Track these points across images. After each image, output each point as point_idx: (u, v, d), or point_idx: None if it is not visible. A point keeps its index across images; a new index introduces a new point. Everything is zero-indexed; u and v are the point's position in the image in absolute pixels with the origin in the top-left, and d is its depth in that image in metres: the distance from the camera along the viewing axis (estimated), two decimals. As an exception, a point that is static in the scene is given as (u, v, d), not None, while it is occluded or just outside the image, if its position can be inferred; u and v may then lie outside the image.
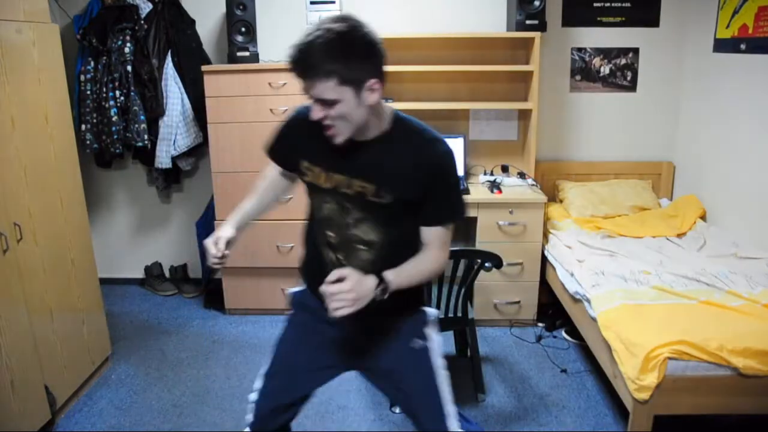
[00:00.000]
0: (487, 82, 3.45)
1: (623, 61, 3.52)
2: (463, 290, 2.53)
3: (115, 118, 3.23)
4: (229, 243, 1.62)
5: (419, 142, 1.45)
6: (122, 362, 2.99)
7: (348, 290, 1.34)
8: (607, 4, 3.45)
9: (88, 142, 3.30)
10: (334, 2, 3.22)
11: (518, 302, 3.25)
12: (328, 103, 1.34)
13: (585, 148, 3.65)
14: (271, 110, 3.18)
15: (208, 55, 3.50)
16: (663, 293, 2.36)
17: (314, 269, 1.59)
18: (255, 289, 3.44)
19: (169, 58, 3.29)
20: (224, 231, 1.64)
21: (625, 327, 2.15)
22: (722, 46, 3.06)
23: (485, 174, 3.47)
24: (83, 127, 3.29)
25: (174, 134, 3.32)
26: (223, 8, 3.26)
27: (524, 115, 3.45)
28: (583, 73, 3.55)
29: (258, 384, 1.69)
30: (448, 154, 1.46)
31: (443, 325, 2.33)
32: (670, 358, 1.96)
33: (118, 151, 3.33)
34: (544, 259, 3.21)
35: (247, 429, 1.69)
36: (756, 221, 2.83)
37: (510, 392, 2.69)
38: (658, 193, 3.56)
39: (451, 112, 3.46)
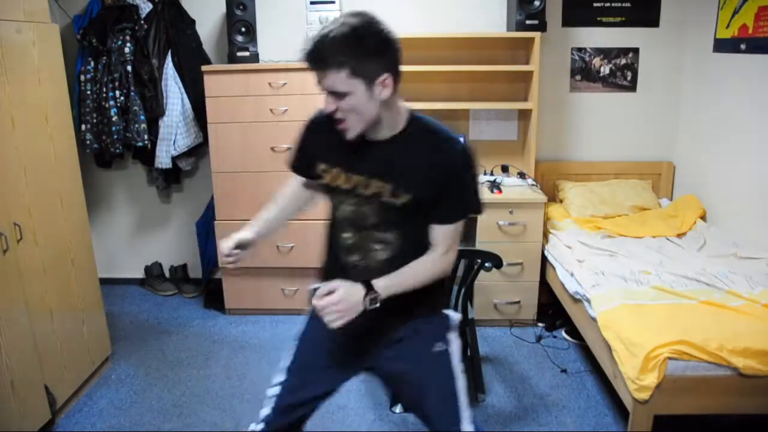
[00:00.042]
0: (487, 82, 3.45)
1: (623, 61, 3.52)
2: (463, 290, 2.53)
3: (115, 118, 3.23)
4: (244, 246, 1.63)
5: (435, 142, 1.45)
6: (122, 362, 2.99)
7: (336, 302, 1.38)
8: (607, 4, 3.45)
9: (88, 142, 3.30)
10: (333, 2, 3.22)
11: (518, 302, 3.25)
12: (339, 95, 1.35)
13: (585, 148, 3.65)
14: (271, 110, 3.18)
15: (208, 55, 3.50)
16: (663, 293, 2.36)
17: (333, 270, 1.60)
18: (255, 289, 3.44)
19: (169, 58, 3.29)
20: (241, 233, 1.64)
21: (625, 327, 2.15)
22: (722, 46, 3.06)
23: (485, 174, 3.47)
24: (83, 127, 3.29)
25: (174, 134, 3.32)
26: (223, 8, 3.26)
27: (524, 115, 3.45)
28: (583, 73, 3.55)
29: (278, 378, 1.69)
30: (464, 154, 1.45)
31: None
32: (670, 358, 1.96)
33: (118, 151, 3.33)
34: (544, 259, 3.21)
35: (260, 426, 1.66)
36: (756, 221, 2.83)
37: (510, 392, 2.69)
38: (658, 193, 3.56)
39: (451, 112, 3.46)
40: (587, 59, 3.53)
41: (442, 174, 1.43)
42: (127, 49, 3.20)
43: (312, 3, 3.21)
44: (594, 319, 2.39)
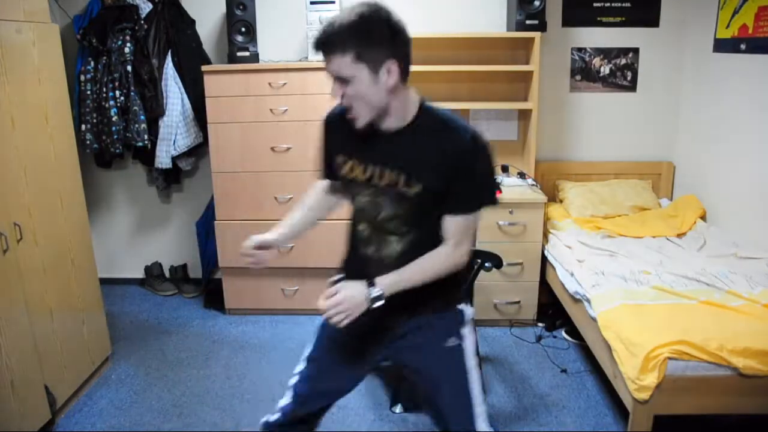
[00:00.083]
0: (487, 82, 3.45)
1: (623, 61, 3.52)
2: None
3: (115, 118, 3.23)
4: (266, 247, 1.66)
5: (445, 132, 1.44)
6: (122, 362, 3.00)
7: (339, 303, 1.40)
8: (607, 4, 3.45)
9: (88, 142, 3.30)
10: (333, 2, 3.22)
11: (518, 302, 3.25)
12: (344, 81, 1.37)
13: (585, 148, 3.65)
14: (271, 110, 3.18)
15: (208, 55, 3.50)
16: (663, 293, 2.36)
17: (351, 262, 1.63)
18: (255, 289, 3.44)
19: (169, 58, 3.29)
20: (264, 234, 1.67)
21: (625, 327, 2.15)
22: (722, 46, 3.06)
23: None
24: (83, 127, 3.29)
25: (174, 134, 3.32)
26: (223, 8, 3.26)
27: (524, 115, 3.45)
28: (583, 73, 3.55)
29: (299, 367, 1.70)
30: (474, 144, 1.43)
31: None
32: (670, 358, 1.96)
33: (118, 151, 3.33)
34: (544, 259, 3.21)
35: (276, 415, 1.68)
36: (756, 221, 2.83)
37: (510, 392, 2.69)
38: (658, 193, 3.56)
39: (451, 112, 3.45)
40: (587, 59, 3.53)
41: (452, 164, 1.42)
42: (127, 49, 3.20)
43: (312, 3, 3.21)
44: (594, 319, 2.39)
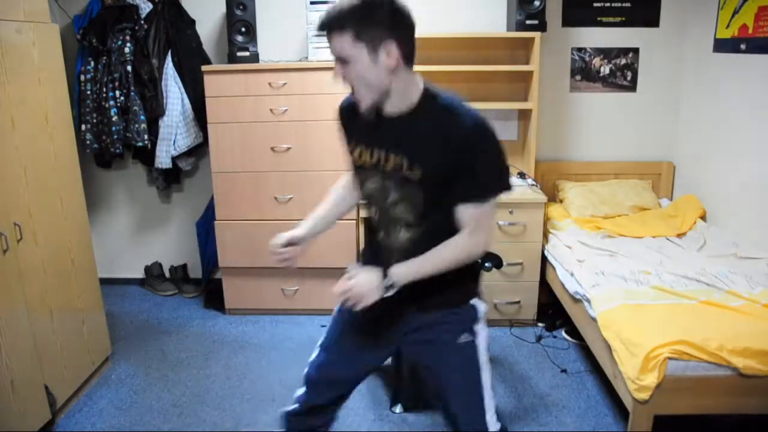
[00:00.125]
0: (487, 82, 3.45)
1: (623, 61, 3.52)
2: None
3: (115, 118, 3.23)
4: (295, 243, 1.67)
5: (446, 116, 1.43)
6: (122, 362, 3.00)
7: (351, 288, 1.42)
8: (607, 4, 3.45)
9: (88, 142, 3.30)
10: (334, 2, 3.22)
11: (518, 302, 3.25)
12: (344, 61, 1.39)
13: (585, 148, 3.65)
14: (271, 110, 3.18)
15: (208, 55, 3.50)
16: (663, 293, 2.36)
17: (367, 248, 1.67)
18: (255, 289, 3.44)
19: (169, 58, 3.29)
20: (292, 231, 1.69)
21: (625, 327, 2.15)
22: (722, 46, 3.06)
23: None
24: (83, 127, 3.29)
25: (174, 134, 3.32)
26: (223, 8, 3.26)
27: (524, 115, 3.45)
28: (583, 73, 3.55)
29: (312, 356, 1.72)
30: (478, 129, 1.41)
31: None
32: (670, 358, 1.96)
33: (118, 151, 3.33)
34: (544, 259, 3.21)
35: (294, 406, 1.70)
36: (756, 221, 2.83)
37: (510, 392, 2.69)
38: (658, 193, 3.56)
39: (451, 112, 3.45)
40: (587, 59, 3.53)
41: (454, 149, 1.40)
42: (127, 49, 3.20)
43: (312, 3, 3.21)
44: (594, 319, 2.39)
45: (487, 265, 2.48)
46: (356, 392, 2.60)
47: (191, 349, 3.13)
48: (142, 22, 3.22)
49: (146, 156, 3.44)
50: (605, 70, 3.54)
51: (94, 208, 3.78)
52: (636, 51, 3.50)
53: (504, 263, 2.51)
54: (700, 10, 3.25)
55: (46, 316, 2.40)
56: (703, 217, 3.20)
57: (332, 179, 3.15)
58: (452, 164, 1.41)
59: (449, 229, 1.48)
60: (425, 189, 1.46)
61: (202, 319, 3.48)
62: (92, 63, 3.25)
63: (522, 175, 3.41)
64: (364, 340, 1.65)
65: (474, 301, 1.61)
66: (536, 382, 2.77)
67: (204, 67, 3.19)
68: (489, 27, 3.45)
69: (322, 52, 3.21)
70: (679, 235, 3.06)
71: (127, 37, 3.20)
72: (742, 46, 2.88)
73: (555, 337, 3.19)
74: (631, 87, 3.55)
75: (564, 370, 2.85)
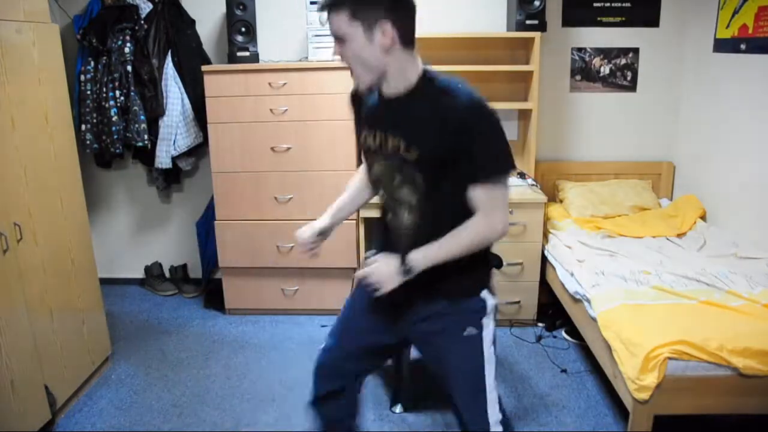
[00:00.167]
0: (487, 82, 3.45)
1: (623, 61, 3.52)
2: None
3: (115, 118, 3.23)
4: (322, 234, 1.71)
5: (443, 97, 1.43)
6: (122, 362, 3.00)
7: (371, 273, 1.47)
8: (607, 4, 3.45)
9: (88, 142, 3.30)
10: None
11: (518, 302, 3.25)
12: (341, 40, 1.41)
13: (585, 148, 3.65)
14: (271, 110, 3.18)
15: (208, 55, 3.50)
16: (663, 293, 2.36)
17: (379, 231, 1.69)
18: (255, 289, 3.44)
19: (169, 58, 3.29)
20: (318, 222, 1.72)
21: (625, 327, 2.15)
22: (722, 46, 3.06)
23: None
24: (83, 127, 3.29)
25: (174, 134, 3.32)
26: (223, 8, 3.26)
27: (524, 115, 3.45)
28: (583, 73, 3.55)
29: (324, 343, 1.77)
30: (475, 109, 1.40)
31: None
32: (670, 358, 1.96)
33: (118, 151, 3.33)
34: (544, 259, 3.21)
35: (310, 397, 1.75)
36: (756, 221, 2.83)
37: (510, 392, 2.69)
38: (658, 193, 3.56)
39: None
40: (587, 59, 3.53)
41: (452, 130, 1.40)
42: (127, 49, 3.20)
43: (312, 3, 3.21)
44: (594, 319, 2.39)
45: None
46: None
47: (191, 349, 3.13)
48: (142, 22, 3.22)
49: (146, 156, 3.44)
50: (605, 70, 3.54)
51: (94, 208, 3.78)
52: (636, 51, 3.50)
53: (504, 263, 2.50)
54: (700, 10, 3.25)
55: (46, 316, 2.40)
56: (703, 217, 3.20)
57: (332, 179, 3.20)
58: (450, 146, 1.41)
59: (453, 212, 1.48)
60: (423, 170, 1.46)
61: (202, 319, 3.48)
62: (92, 63, 3.25)
63: (522, 175, 3.41)
64: (372, 320, 1.69)
65: (484, 294, 1.59)
66: (536, 382, 2.77)
67: (204, 67, 3.19)
68: (489, 27, 3.45)
69: (322, 52, 3.21)
70: (679, 235, 3.06)
71: (127, 37, 3.20)
72: (742, 46, 2.88)
73: (555, 337, 3.19)
74: (631, 87, 3.55)
75: (564, 370, 2.85)
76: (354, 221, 3.22)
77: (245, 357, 3.04)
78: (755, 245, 2.74)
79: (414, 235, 1.53)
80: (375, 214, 3.33)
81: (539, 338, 3.16)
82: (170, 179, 3.69)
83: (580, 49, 3.52)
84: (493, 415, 1.60)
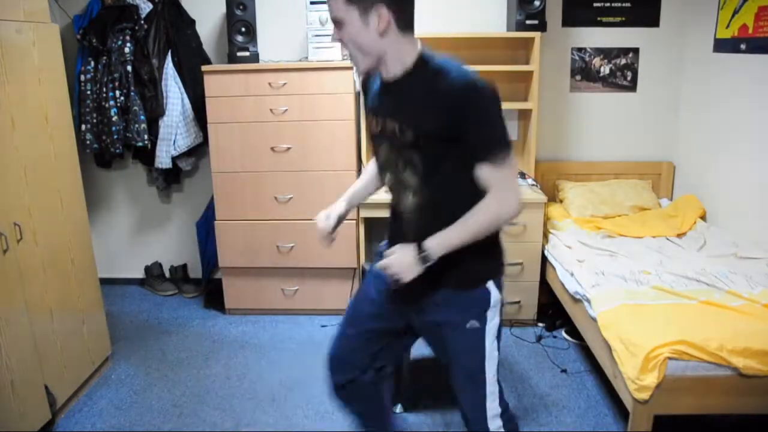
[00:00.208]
0: (487, 82, 3.45)
1: (623, 61, 3.52)
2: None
3: (115, 118, 3.23)
4: (340, 219, 1.73)
5: (437, 77, 1.43)
6: (122, 362, 3.00)
7: (390, 265, 1.47)
8: (607, 4, 3.45)
9: (88, 142, 3.30)
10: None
11: (518, 302, 3.25)
12: (338, 24, 1.43)
13: (585, 148, 3.65)
14: (271, 110, 3.18)
15: (208, 55, 3.51)
16: (663, 293, 2.36)
17: (390, 216, 1.70)
18: (255, 289, 3.44)
19: (169, 58, 3.29)
20: (335, 207, 1.74)
21: (625, 327, 2.15)
22: (722, 46, 3.06)
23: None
24: (83, 127, 3.29)
25: (174, 134, 3.32)
26: (223, 8, 3.26)
27: (524, 115, 3.45)
28: (583, 73, 3.55)
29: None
30: (469, 88, 1.39)
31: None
32: (670, 358, 1.96)
33: (118, 151, 3.33)
34: (544, 259, 3.21)
35: (330, 389, 1.80)
36: (756, 221, 2.83)
37: (510, 392, 2.68)
38: (658, 193, 3.56)
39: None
40: (587, 59, 3.53)
41: (445, 108, 1.39)
42: (127, 49, 3.20)
43: (312, 3, 3.21)
44: (594, 319, 2.39)
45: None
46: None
47: (191, 349, 3.13)
48: (142, 22, 3.22)
49: (146, 156, 3.44)
50: (605, 70, 3.54)
51: (94, 208, 3.78)
52: (636, 51, 3.50)
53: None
54: (700, 10, 3.25)
55: (46, 316, 2.40)
56: (703, 217, 3.20)
57: (332, 179, 3.20)
58: (444, 124, 1.41)
59: (456, 193, 1.48)
60: (421, 152, 1.47)
61: (202, 319, 3.48)
62: (92, 63, 3.25)
63: (522, 175, 3.41)
64: (375, 306, 1.71)
65: (489, 285, 1.57)
66: (536, 382, 2.77)
67: (204, 67, 3.19)
68: (489, 27, 3.45)
69: (322, 52, 3.21)
70: (679, 235, 3.06)
71: (127, 37, 3.20)
72: (742, 46, 2.88)
73: (555, 337, 3.19)
74: (631, 87, 3.55)
75: (564, 370, 2.85)
76: (354, 221, 3.22)
77: (245, 357, 3.04)
78: (755, 245, 2.74)
79: (417, 217, 1.54)
80: (375, 214, 3.34)
81: (539, 338, 3.16)
82: (170, 179, 3.69)
83: (580, 49, 3.52)
84: (492, 409, 1.60)
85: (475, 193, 1.45)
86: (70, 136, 2.65)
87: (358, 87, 3.17)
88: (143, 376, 2.87)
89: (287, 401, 2.65)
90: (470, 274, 1.56)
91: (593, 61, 3.53)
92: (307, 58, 3.30)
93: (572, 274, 2.75)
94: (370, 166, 1.81)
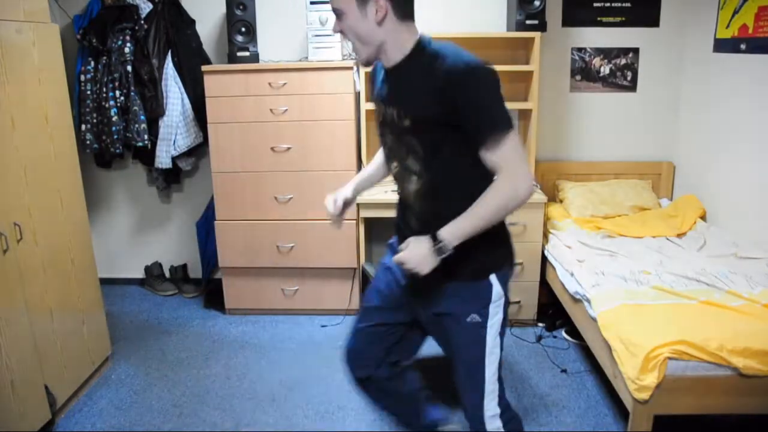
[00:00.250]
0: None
1: (623, 61, 3.52)
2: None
3: (115, 118, 3.23)
4: (346, 204, 1.76)
5: (436, 62, 1.43)
6: (122, 362, 3.00)
7: (405, 259, 1.46)
8: (607, 4, 3.45)
9: (88, 142, 3.30)
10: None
11: (518, 302, 3.25)
12: (338, 15, 1.46)
13: (585, 148, 3.65)
14: (271, 110, 3.18)
15: (208, 55, 3.51)
16: (663, 293, 2.36)
17: (396, 208, 1.71)
18: (255, 289, 3.44)
19: (169, 58, 3.29)
20: (342, 192, 1.78)
21: (625, 327, 2.15)
22: (722, 46, 3.06)
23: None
24: (83, 127, 3.29)
25: (174, 134, 3.32)
26: (223, 8, 3.26)
27: (524, 115, 3.45)
28: (583, 73, 3.55)
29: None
30: (466, 71, 1.38)
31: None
32: (670, 358, 1.96)
33: (118, 151, 3.33)
34: (544, 259, 3.21)
35: (351, 382, 1.85)
36: (756, 221, 2.83)
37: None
38: (658, 193, 3.56)
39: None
40: (587, 59, 3.53)
41: (440, 92, 1.39)
42: (127, 49, 3.20)
43: (312, 3, 3.21)
44: (594, 319, 2.39)
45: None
46: (356, 392, 2.59)
47: (191, 349, 3.13)
48: (142, 22, 3.22)
49: (146, 156, 3.44)
50: (605, 70, 3.54)
51: (94, 208, 3.78)
52: (636, 51, 3.50)
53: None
54: (700, 10, 3.25)
55: (46, 316, 2.40)
56: (703, 217, 3.20)
57: (332, 179, 3.20)
58: (439, 108, 1.41)
59: (459, 177, 1.49)
60: (419, 136, 1.48)
61: (202, 319, 3.48)
62: (92, 63, 3.25)
63: (522, 175, 3.41)
64: (383, 298, 1.73)
65: (492, 278, 1.56)
66: (536, 382, 2.77)
67: (204, 67, 3.19)
68: (489, 27, 3.45)
69: (322, 52, 3.21)
70: (679, 235, 3.06)
71: (127, 37, 3.20)
72: (742, 46, 2.88)
73: (555, 337, 3.19)
74: (631, 87, 3.55)
75: (564, 370, 2.85)
76: (354, 221, 3.22)
77: (245, 357, 3.04)
78: (755, 245, 2.74)
79: (420, 203, 1.55)
80: (375, 214, 3.34)
81: (539, 338, 3.16)
82: (170, 179, 3.69)
83: (580, 49, 3.52)
84: (490, 409, 1.59)
85: (478, 177, 1.46)
86: (70, 136, 2.65)
87: (359, 87, 3.18)
88: (143, 376, 2.87)
89: (287, 401, 2.65)
90: (474, 265, 1.55)
91: (593, 61, 3.53)
92: (307, 58, 3.30)
93: (572, 274, 2.75)
94: (378, 156, 1.83)
